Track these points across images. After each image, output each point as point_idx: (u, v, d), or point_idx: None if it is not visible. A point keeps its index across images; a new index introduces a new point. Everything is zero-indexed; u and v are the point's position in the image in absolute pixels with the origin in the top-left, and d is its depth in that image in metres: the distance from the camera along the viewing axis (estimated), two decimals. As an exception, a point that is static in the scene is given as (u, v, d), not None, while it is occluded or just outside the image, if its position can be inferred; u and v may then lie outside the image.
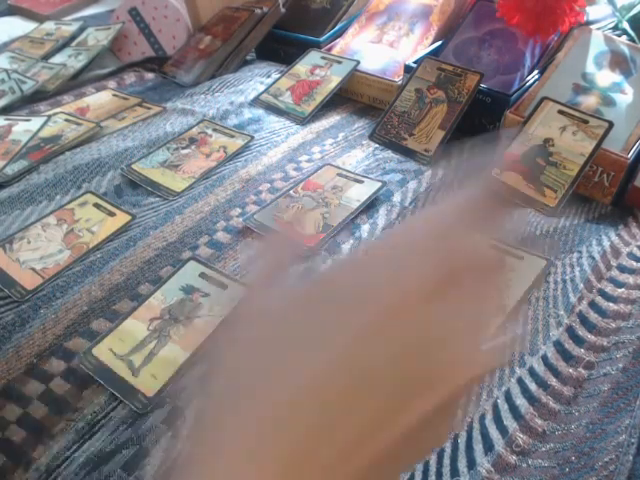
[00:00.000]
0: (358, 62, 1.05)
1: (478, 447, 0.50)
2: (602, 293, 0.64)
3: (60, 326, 0.63)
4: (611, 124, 0.78)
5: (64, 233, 0.76)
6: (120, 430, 0.53)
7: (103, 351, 0.60)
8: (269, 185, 0.84)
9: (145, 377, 0.57)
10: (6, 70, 1.19)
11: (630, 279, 0.65)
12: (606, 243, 0.70)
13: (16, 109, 1.09)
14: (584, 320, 0.61)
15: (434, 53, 1.01)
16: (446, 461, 0.50)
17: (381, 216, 0.77)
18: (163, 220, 0.78)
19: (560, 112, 0.82)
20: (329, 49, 1.13)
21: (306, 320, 0.27)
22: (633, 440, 0.49)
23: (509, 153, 0.82)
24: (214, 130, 0.96)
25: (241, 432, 0.24)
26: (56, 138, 0.95)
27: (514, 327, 0.61)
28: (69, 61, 1.25)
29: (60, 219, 0.78)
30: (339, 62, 1.06)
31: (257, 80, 1.13)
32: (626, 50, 0.89)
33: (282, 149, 0.92)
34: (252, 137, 0.94)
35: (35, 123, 0.98)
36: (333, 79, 1.04)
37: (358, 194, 0.79)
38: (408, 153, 0.90)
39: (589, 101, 0.85)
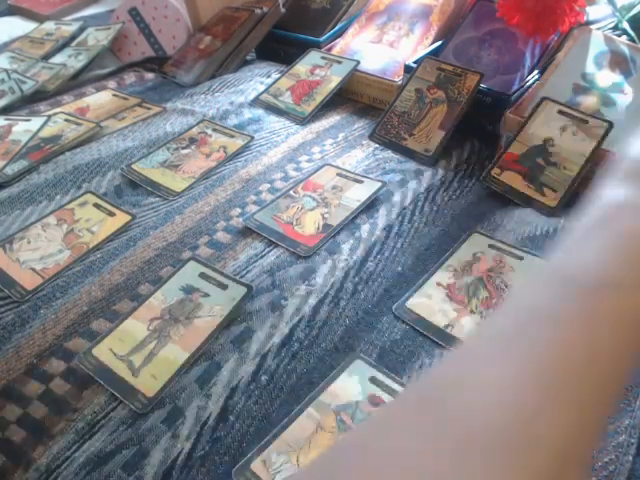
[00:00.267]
0: (358, 62, 1.05)
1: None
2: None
3: (60, 326, 0.63)
4: (611, 124, 0.78)
5: (64, 233, 0.76)
6: (120, 430, 0.53)
7: (103, 351, 0.60)
8: (269, 185, 0.84)
9: (145, 377, 0.57)
10: (6, 70, 1.19)
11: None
12: (606, 243, 0.70)
13: (16, 109, 1.09)
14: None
15: (434, 53, 1.01)
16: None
17: (381, 216, 0.77)
18: (163, 220, 0.78)
19: (560, 112, 0.82)
20: (329, 49, 1.14)
21: None
22: (633, 440, 0.49)
23: (509, 153, 0.82)
24: (214, 130, 0.96)
25: None
26: (56, 138, 0.95)
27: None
28: (69, 61, 1.25)
29: (60, 219, 0.78)
30: (339, 62, 1.06)
31: (257, 80, 1.13)
32: (626, 50, 0.89)
33: (282, 149, 0.92)
34: (252, 137, 0.94)
35: (35, 123, 0.98)
36: (333, 79, 1.04)
37: (358, 194, 0.80)
38: (408, 153, 0.90)
39: (589, 101, 0.85)
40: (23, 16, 1.62)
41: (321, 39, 1.15)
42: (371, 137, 0.94)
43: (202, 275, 0.68)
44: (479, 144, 0.93)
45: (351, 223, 0.76)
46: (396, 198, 0.80)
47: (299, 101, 1.03)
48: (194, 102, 1.07)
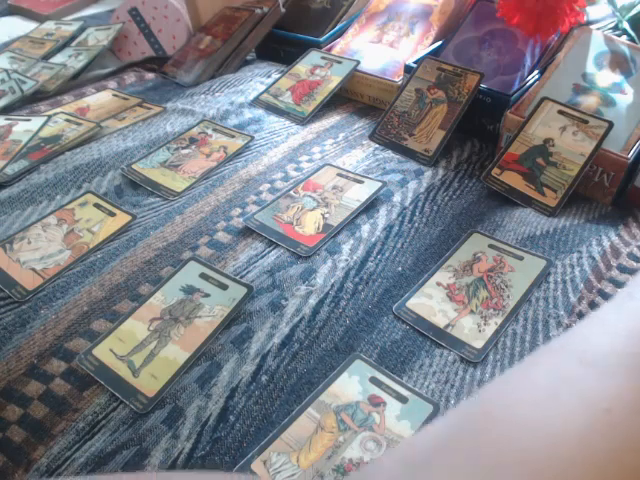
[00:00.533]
0: (358, 62, 1.05)
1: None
2: (602, 293, 0.64)
3: (60, 326, 0.63)
4: (611, 124, 0.78)
5: (64, 233, 0.76)
6: (120, 430, 0.53)
7: (103, 351, 0.60)
8: (269, 185, 0.84)
9: (145, 377, 0.57)
10: (6, 70, 1.19)
11: (630, 279, 0.65)
12: (606, 243, 0.71)
13: (16, 109, 1.09)
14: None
15: (434, 53, 1.01)
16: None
17: (381, 216, 0.77)
18: (163, 220, 0.78)
19: (560, 112, 0.82)
20: (329, 49, 1.14)
21: None
22: None
23: (509, 153, 0.82)
24: (214, 130, 0.96)
25: None
26: (56, 138, 0.95)
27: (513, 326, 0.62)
28: (69, 61, 1.26)
29: (60, 219, 0.78)
30: (339, 62, 1.07)
31: (257, 80, 1.13)
32: (626, 50, 0.89)
33: (282, 149, 0.92)
34: (252, 137, 0.94)
35: (35, 123, 0.98)
36: (333, 79, 1.04)
37: (358, 194, 0.80)
38: (408, 153, 0.90)
39: (589, 101, 0.85)
40: (23, 16, 1.62)
41: (321, 39, 1.15)
42: (371, 137, 0.94)
43: (202, 275, 0.68)
44: (479, 144, 0.93)
45: (351, 223, 0.76)
46: (396, 198, 0.80)
47: (299, 101, 1.03)
48: (194, 102, 1.07)
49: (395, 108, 0.95)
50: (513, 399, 0.26)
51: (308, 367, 0.59)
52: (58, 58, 1.29)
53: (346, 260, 0.70)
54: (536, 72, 0.93)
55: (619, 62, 0.88)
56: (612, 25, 1.02)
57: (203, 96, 1.09)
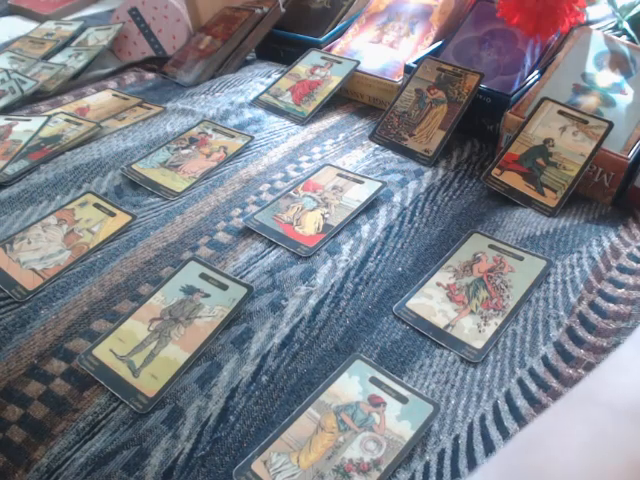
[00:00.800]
0: (358, 62, 1.05)
1: (479, 448, 0.51)
2: (602, 294, 0.64)
3: (60, 327, 0.63)
4: (611, 124, 0.78)
5: (64, 233, 0.76)
6: (121, 430, 0.53)
7: (104, 352, 0.60)
8: (269, 185, 0.84)
9: (145, 378, 0.57)
10: (6, 70, 1.19)
11: (630, 280, 0.65)
12: (606, 243, 0.71)
13: (16, 109, 1.09)
14: (584, 321, 0.61)
15: (434, 53, 1.01)
16: (446, 462, 0.50)
17: (381, 216, 0.77)
18: (163, 220, 0.78)
19: (560, 112, 0.82)
20: (329, 49, 1.13)
21: None
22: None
23: (509, 153, 0.82)
24: (214, 130, 0.96)
25: None
26: (56, 138, 0.95)
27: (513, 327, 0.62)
28: (69, 61, 1.25)
29: (60, 219, 0.78)
30: (339, 62, 1.07)
31: (257, 80, 1.13)
32: (626, 50, 0.89)
33: (282, 149, 0.92)
34: (252, 137, 0.94)
35: (35, 123, 0.98)
36: (333, 79, 1.04)
37: (358, 194, 0.80)
38: (408, 153, 0.90)
39: (589, 101, 0.85)
40: (23, 16, 1.62)
41: (321, 39, 1.15)
42: (371, 137, 0.94)
43: (202, 275, 0.68)
44: (479, 144, 0.93)
45: (351, 223, 0.76)
46: (396, 198, 0.80)
47: (299, 101, 1.03)
48: (194, 102, 1.07)
49: (395, 108, 0.95)
50: (557, 457, 0.26)
51: (308, 367, 0.59)
52: (58, 58, 1.29)
53: (346, 260, 0.70)
54: (536, 72, 0.93)
55: (619, 62, 0.88)
56: (612, 25, 1.02)
57: (203, 96, 1.09)
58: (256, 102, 1.06)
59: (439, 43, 1.04)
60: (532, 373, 0.56)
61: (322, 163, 0.88)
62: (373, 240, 0.73)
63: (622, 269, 0.67)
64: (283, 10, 1.23)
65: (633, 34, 0.97)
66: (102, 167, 0.88)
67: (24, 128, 0.97)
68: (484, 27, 1.02)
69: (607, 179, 0.78)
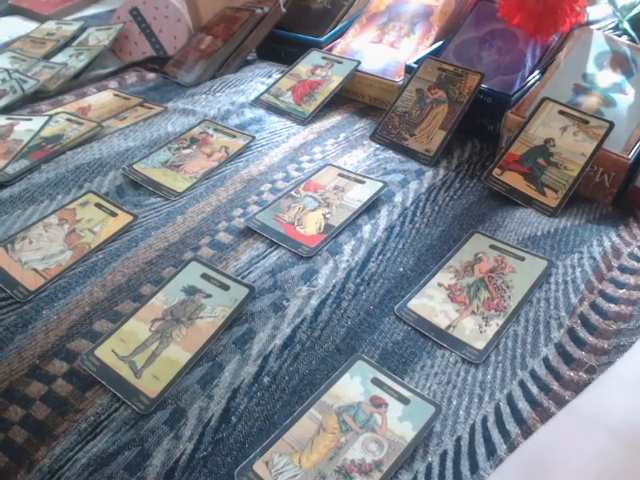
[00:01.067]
0: (359, 62, 1.05)
1: (480, 450, 0.51)
2: (603, 294, 0.64)
3: (62, 327, 0.63)
4: (612, 124, 0.78)
5: (66, 233, 0.76)
6: (122, 431, 0.54)
7: (105, 352, 0.60)
8: (270, 185, 0.84)
9: (147, 378, 0.57)
10: (7, 70, 1.19)
11: (631, 280, 0.65)
12: (607, 244, 0.71)
13: (17, 108, 1.09)
14: (585, 322, 0.61)
15: (435, 53, 1.01)
16: (449, 463, 0.50)
17: (382, 217, 0.77)
18: (165, 220, 0.78)
19: (561, 112, 0.82)
20: (330, 49, 1.13)
21: None
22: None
23: (510, 153, 0.82)
24: (215, 130, 0.96)
25: None
26: (57, 137, 0.95)
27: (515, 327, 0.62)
28: (70, 61, 1.25)
29: (62, 219, 0.78)
30: (340, 62, 1.07)
31: (258, 80, 1.13)
32: (627, 50, 0.89)
33: (283, 149, 0.92)
34: (253, 137, 0.94)
35: (36, 122, 0.98)
36: (334, 79, 1.04)
37: (359, 194, 0.80)
38: (409, 153, 0.90)
39: (590, 101, 0.85)
40: (24, 16, 1.62)
41: (322, 39, 1.15)
42: (372, 137, 0.94)
43: (204, 276, 0.68)
44: (480, 144, 0.93)
45: (352, 224, 0.76)
46: (397, 198, 0.80)
47: (300, 101, 1.03)
48: (195, 102, 1.07)
49: (396, 108, 0.95)
50: None
51: (310, 368, 0.59)
52: (59, 58, 1.29)
53: (347, 261, 0.70)
54: (537, 72, 0.93)
55: (620, 62, 0.88)
56: (613, 25, 1.02)
57: (204, 96, 1.09)
58: (257, 102, 1.06)
59: (440, 43, 1.04)
60: (533, 375, 0.56)
61: (323, 163, 0.88)
62: (374, 240, 0.74)
63: (623, 269, 0.67)
64: (284, 10, 1.23)
65: (634, 34, 0.97)
66: (103, 167, 0.88)
67: (25, 127, 0.97)
68: (485, 27, 1.02)
69: (608, 179, 0.78)
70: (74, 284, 0.69)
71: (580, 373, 0.56)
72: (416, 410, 0.53)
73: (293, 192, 0.81)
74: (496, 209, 0.79)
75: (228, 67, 1.19)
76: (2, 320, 0.64)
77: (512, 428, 0.52)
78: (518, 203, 0.79)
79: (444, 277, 0.69)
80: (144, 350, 0.60)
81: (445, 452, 0.51)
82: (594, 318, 0.61)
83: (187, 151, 0.92)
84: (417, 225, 0.77)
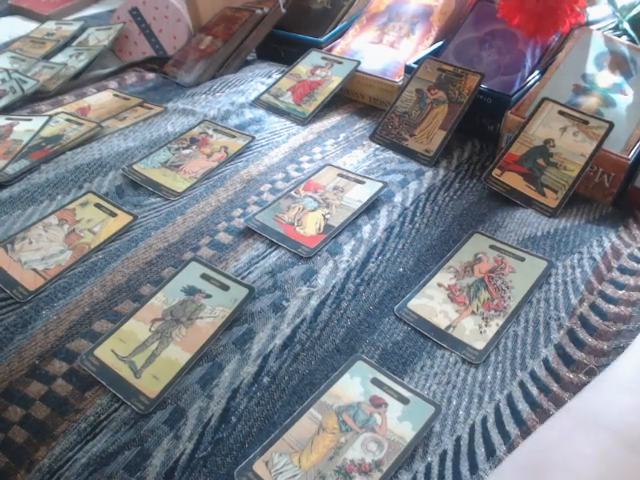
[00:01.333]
0: (359, 62, 1.05)
1: (480, 451, 0.51)
2: (603, 295, 0.64)
3: (62, 327, 0.63)
4: (611, 125, 0.78)
5: (65, 233, 0.76)
6: (122, 431, 0.54)
7: (105, 352, 0.60)
8: (270, 185, 0.84)
9: (147, 378, 0.57)
10: (7, 70, 1.19)
11: (631, 280, 0.65)
12: (607, 244, 0.71)
13: (17, 109, 1.09)
14: (585, 323, 0.61)
15: (435, 53, 1.01)
16: (448, 463, 0.50)
17: (382, 217, 0.77)
18: (164, 221, 0.78)
19: (560, 113, 0.82)
20: (330, 49, 1.14)
21: None
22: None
23: (510, 154, 0.83)
24: (215, 130, 0.96)
25: None
26: (57, 138, 0.95)
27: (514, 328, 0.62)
28: (70, 61, 1.25)
29: (61, 219, 0.78)
30: (340, 62, 1.07)
31: (258, 80, 1.13)
32: (626, 51, 0.89)
33: (283, 149, 0.92)
34: (253, 137, 0.94)
35: (36, 123, 0.98)
36: (334, 79, 1.04)
37: (359, 195, 0.80)
38: (409, 153, 0.90)
39: (589, 102, 0.85)
40: (24, 16, 1.62)
41: (322, 39, 1.15)
42: (372, 137, 0.94)
43: (204, 276, 0.68)
44: (480, 144, 0.93)
45: (352, 224, 0.76)
46: (397, 199, 0.80)
47: (300, 101, 1.03)
48: (195, 102, 1.07)
49: (396, 108, 0.95)
50: None
51: (310, 368, 0.59)
52: (59, 58, 1.29)
53: (347, 261, 0.70)
54: (536, 72, 0.93)
55: (619, 63, 0.88)
56: (612, 26, 1.02)
57: (204, 96, 1.09)
58: (257, 102, 1.06)
59: (440, 43, 1.04)
60: (533, 376, 0.56)
61: (323, 163, 0.88)
62: (374, 241, 0.74)
63: (623, 270, 0.67)
64: (284, 10, 1.23)
65: (633, 34, 0.97)
66: (103, 167, 0.88)
67: (25, 128, 0.97)
68: (485, 27, 1.02)
69: (607, 179, 0.78)
70: (74, 284, 0.69)
71: (580, 375, 0.56)
72: (416, 410, 0.54)
73: (293, 192, 0.81)
74: (496, 209, 0.79)
75: (228, 67, 1.19)
76: (2, 320, 0.64)
77: (512, 429, 0.52)
78: (518, 203, 0.79)
79: (444, 277, 0.69)
80: (144, 350, 0.60)
81: (445, 452, 0.51)
82: (594, 319, 0.61)
83: (187, 151, 0.92)
84: (417, 225, 0.77)
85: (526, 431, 0.51)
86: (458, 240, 0.74)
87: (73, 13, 1.60)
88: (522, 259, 0.70)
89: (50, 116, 1.01)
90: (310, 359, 0.60)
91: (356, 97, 1.08)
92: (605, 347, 0.58)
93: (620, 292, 0.64)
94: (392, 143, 0.92)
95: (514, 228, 0.75)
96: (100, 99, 1.11)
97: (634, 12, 1.00)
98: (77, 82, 1.20)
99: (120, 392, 0.56)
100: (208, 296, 0.65)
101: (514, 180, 0.81)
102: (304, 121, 0.99)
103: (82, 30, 1.39)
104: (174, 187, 0.84)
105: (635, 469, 0.26)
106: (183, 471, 0.51)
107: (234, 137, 0.94)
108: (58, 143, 0.93)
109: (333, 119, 1.01)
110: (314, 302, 0.65)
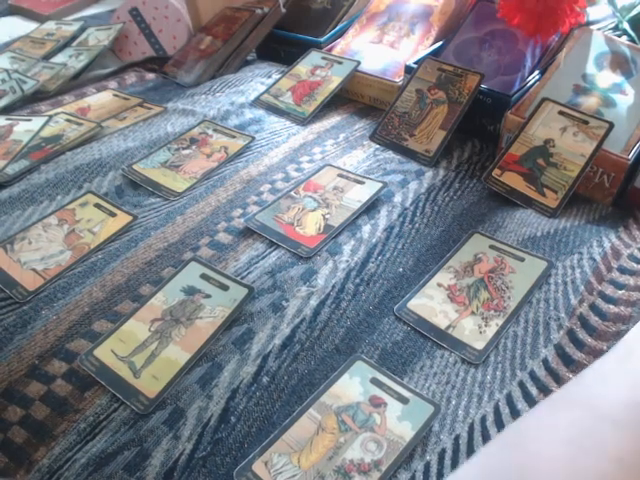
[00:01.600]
0: (359, 62, 1.05)
1: (479, 449, 0.51)
2: (602, 295, 0.64)
3: (62, 327, 0.63)
4: (611, 125, 0.78)
5: (65, 233, 0.76)
6: (122, 431, 0.54)
7: (105, 352, 0.60)
8: (270, 186, 0.84)
9: (146, 378, 0.57)
10: (7, 70, 1.19)
11: (630, 280, 0.65)
12: (607, 244, 0.71)
13: (17, 109, 1.09)
14: (584, 323, 0.61)
15: (435, 53, 1.01)
16: (447, 461, 0.50)
17: (382, 217, 0.77)
18: (164, 221, 0.78)
19: (560, 113, 0.82)
20: (330, 49, 1.14)
21: None
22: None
23: (510, 154, 0.82)
24: (215, 130, 0.96)
25: None
26: (57, 138, 0.95)
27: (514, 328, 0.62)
28: (70, 61, 1.25)
29: (61, 219, 0.78)
30: (340, 62, 1.07)
31: (258, 80, 1.13)
32: (626, 51, 0.89)
33: (283, 150, 0.92)
34: (253, 137, 0.94)
35: (36, 123, 0.98)
36: (334, 79, 1.04)
37: (359, 195, 0.80)
38: (409, 154, 0.90)
39: (589, 102, 0.85)
40: (24, 16, 1.62)
41: (322, 39, 1.15)
42: (372, 138, 0.94)
43: (203, 276, 0.68)
44: (480, 145, 0.93)
45: (352, 224, 0.76)
46: (397, 199, 0.80)
47: (300, 101, 1.03)
48: (195, 102, 1.07)
49: (396, 108, 0.95)
50: (541, 453, 0.27)
51: (309, 368, 0.59)
52: (59, 58, 1.29)
53: (347, 261, 0.70)
54: (536, 73, 0.93)
55: (619, 63, 0.88)
56: (612, 25, 1.02)
57: (204, 96, 1.09)
58: (257, 102, 1.06)
59: (439, 43, 1.04)
60: (533, 376, 0.56)
61: (323, 163, 0.88)
62: (374, 241, 0.74)
63: (623, 270, 0.67)
64: (284, 10, 1.23)
65: (633, 34, 0.97)
66: (103, 167, 0.88)
67: (25, 128, 0.97)
68: (485, 27, 1.02)
69: (607, 180, 0.78)
70: (73, 284, 0.69)
71: (579, 374, 0.56)
72: (415, 410, 0.53)
73: (293, 192, 0.81)
74: (496, 209, 0.79)
75: (228, 67, 1.19)
76: (1, 320, 0.64)
77: (511, 428, 0.52)
78: (518, 204, 0.79)
79: (444, 277, 0.69)
80: (143, 350, 0.60)
81: (443, 450, 0.51)
82: (593, 319, 0.61)
83: (187, 151, 0.92)
84: (417, 225, 0.77)
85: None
86: (458, 240, 0.74)
87: (73, 13, 1.60)
88: (522, 259, 0.70)
89: (50, 116, 1.01)
90: (309, 359, 0.60)
91: (356, 97, 1.08)
92: (605, 347, 0.58)
93: (620, 292, 0.64)
94: (392, 143, 0.92)
95: (514, 228, 0.75)
96: (100, 99, 1.11)
97: (634, 12, 1.00)
98: (77, 82, 1.20)
99: (120, 392, 0.56)
100: (208, 296, 0.65)
101: (514, 180, 0.81)
102: (304, 121, 0.99)
103: (82, 30, 1.39)
104: (174, 187, 0.84)
105: (605, 436, 0.26)
106: (182, 471, 0.51)
107: (234, 137, 0.94)
108: (58, 143, 0.93)
109: (333, 119, 1.01)
110: (314, 302, 0.65)
